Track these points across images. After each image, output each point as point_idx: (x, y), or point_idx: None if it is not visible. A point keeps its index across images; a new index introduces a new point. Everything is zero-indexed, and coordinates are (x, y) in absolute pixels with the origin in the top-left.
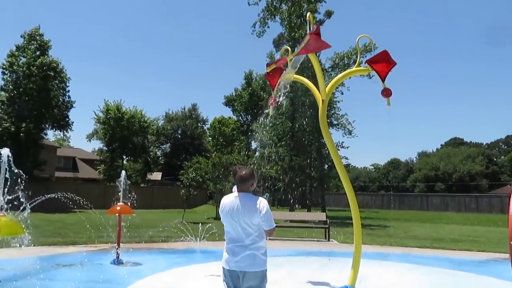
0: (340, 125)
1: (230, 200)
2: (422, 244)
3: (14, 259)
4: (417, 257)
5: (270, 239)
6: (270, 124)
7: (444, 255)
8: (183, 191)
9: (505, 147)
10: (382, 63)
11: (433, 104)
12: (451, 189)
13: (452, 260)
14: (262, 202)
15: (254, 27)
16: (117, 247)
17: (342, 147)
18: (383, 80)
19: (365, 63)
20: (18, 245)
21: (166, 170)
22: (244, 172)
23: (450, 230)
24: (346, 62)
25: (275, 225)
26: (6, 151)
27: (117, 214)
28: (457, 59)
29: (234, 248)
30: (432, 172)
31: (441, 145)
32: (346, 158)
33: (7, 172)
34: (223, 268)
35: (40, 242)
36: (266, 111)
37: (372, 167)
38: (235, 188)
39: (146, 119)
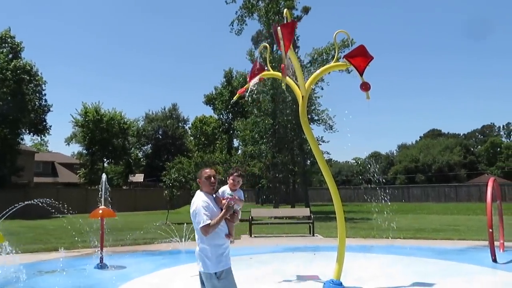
0: (320, 120)
1: None
2: (404, 235)
3: None
4: (400, 248)
5: (258, 237)
6: (252, 121)
7: (426, 245)
8: (166, 192)
9: (481, 137)
10: (360, 57)
11: (411, 97)
12: (431, 180)
13: (434, 250)
14: (196, 200)
15: (232, 25)
16: (100, 251)
17: (323, 141)
18: (361, 74)
19: (343, 58)
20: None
21: (148, 171)
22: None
23: (431, 220)
24: (324, 58)
25: (203, 223)
26: None
27: (99, 218)
28: (433, 52)
29: None
30: (412, 164)
31: (420, 137)
32: (328, 153)
33: None
34: None
35: (21, 250)
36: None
37: (354, 161)
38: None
39: (125, 120)
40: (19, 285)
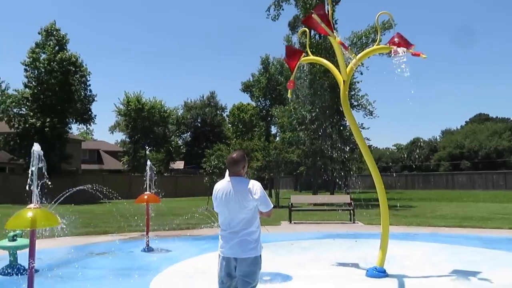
0: (360, 106)
1: (222, 185)
2: (450, 223)
3: (49, 249)
4: (445, 236)
5: (298, 224)
6: (291, 108)
7: (473, 234)
8: (206, 178)
9: None
10: (401, 43)
11: (456, 81)
12: (477, 167)
13: (482, 239)
14: (255, 185)
15: (269, 11)
16: (146, 235)
17: (363, 128)
18: (409, 49)
19: (387, 44)
20: (56, 234)
21: (188, 158)
22: (235, 155)
23: (478, 208)
24: (364, 41)
25: (272, 205)
26: (37, 147)
27: (145, 203)
28: (481, 35)
29: (227, 234)
30: (457, 150)
31: (465, 121)
32: (368, 139)
33: (42, 166)
34: (219, 255)
35: (72, 233)
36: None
37: (395, 147)
38: (227, 173)
39: (165, 109)
40: (73, 264)
